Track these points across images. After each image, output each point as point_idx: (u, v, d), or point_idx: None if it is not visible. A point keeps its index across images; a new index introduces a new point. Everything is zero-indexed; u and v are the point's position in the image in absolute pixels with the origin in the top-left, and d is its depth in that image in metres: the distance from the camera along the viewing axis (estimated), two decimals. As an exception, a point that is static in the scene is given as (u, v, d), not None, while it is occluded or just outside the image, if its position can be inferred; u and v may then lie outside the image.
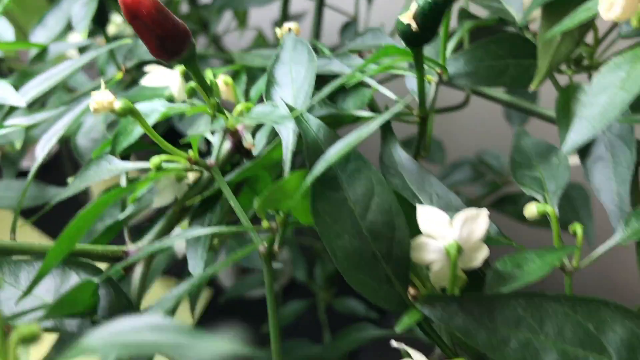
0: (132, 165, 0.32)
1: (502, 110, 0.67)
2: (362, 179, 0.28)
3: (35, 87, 0.45)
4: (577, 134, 0.26)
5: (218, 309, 0.85)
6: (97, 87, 0.50)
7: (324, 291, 0.69)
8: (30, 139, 0.58)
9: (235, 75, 0.50)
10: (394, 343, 0.27)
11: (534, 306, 0.27)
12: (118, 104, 0.28)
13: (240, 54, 0.50)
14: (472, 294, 0.27)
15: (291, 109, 0.28)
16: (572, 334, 0.26)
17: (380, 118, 0.26)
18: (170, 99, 0.41)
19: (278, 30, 0.37)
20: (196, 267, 0.30)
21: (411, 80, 0.35)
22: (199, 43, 0.74)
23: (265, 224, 0.27)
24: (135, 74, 0.54)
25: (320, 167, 0.26)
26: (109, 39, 0.52)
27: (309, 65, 0.33)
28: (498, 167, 0.67)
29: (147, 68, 0.45)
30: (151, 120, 0.33)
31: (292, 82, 0.33)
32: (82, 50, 0.57)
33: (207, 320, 0.83)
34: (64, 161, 0.80)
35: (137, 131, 0.33)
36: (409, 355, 0.26)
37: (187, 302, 0.30)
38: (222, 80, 0.42)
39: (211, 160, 0.31)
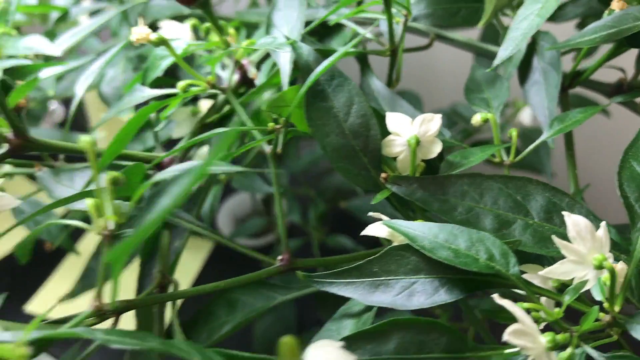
0: (160, 91, 0.40)
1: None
2: (344, 91, 0.36)
3: (66, 41, 0.52)
4: (504, 51, 0.35)
5: (219, 258, 0.93)
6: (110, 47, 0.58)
7: (317, 230, 0.77)
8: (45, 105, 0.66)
9: (236, 30, 0.58)
10: (372, 213, 0.35)
11: (475, 183, 0.35)
12: (154, 35, 0.36)
13: (239, 12, 0.58)
14: (428, 176, 0.35)
15: (287, 38, 0.36)
16: (504, 203, 0.35)
17: (352, 41, 0.34)
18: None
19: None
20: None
21: (383, 23, 0.43)
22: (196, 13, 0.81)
23: (271, 125, 0.35)
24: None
25: (310, 78, 0.34)
26: (122, 2, 0.60)
27: (300, 9, 0.41)
28: (469, 116, 0.75)
29: (161, 24, 0.53)
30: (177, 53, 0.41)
31: (287, 24, 0.41)
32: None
33: (209, 267, 0.91)
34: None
35: (164, 64, 0.41)
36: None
37: (190, 252, 0.37)
38: (227, 31, 0.50)
39: (225, 84, 0.39)
